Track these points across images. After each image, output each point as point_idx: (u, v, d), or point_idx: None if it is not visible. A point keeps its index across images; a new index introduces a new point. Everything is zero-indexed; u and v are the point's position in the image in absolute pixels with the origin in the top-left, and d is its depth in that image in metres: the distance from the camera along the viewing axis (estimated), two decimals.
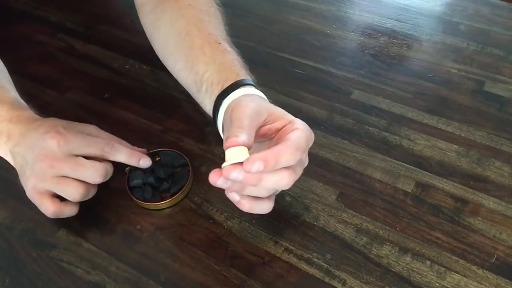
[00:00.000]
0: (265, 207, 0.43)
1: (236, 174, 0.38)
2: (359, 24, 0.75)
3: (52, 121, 0.49)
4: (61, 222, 0.51)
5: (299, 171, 0.42)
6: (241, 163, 0.38)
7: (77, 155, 0.46)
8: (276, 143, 0.41)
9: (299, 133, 0.41)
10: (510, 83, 0.64)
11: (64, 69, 0.71)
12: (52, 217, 0.47)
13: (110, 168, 0.48)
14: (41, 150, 0.46)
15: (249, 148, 0.39)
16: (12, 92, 0.52)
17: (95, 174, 0.46)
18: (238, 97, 0.45)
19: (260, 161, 0.37)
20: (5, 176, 0.56)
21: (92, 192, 0.49)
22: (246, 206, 0.42)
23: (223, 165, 0.39)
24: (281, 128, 0.42)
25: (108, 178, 0.48)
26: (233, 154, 0.38)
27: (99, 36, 0.76)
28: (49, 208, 0.46)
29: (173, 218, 0.52)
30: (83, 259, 0.49)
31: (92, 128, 0.51)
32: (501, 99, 0.62)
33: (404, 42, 0.71)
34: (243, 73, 0.49)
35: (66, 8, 0.81)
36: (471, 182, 0.53)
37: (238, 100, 0.45)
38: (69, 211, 0.48)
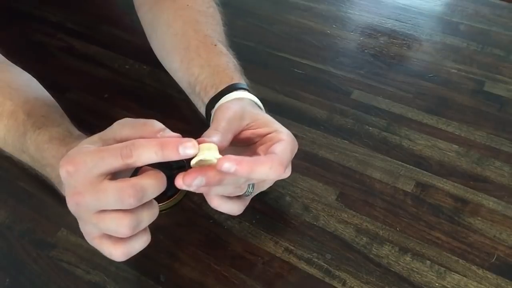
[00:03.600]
0: (234, 208, 0.42)
1: (198, 182, 0.36)
2: (359, 24, 0.75)
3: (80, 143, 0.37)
4: (61, 222, 0.51)
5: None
6: (209, 167, 0.36)
7: (99, 178, 0.34)
8: (258, 148, 0.40)
9: (285, 146, 0.39)
10: (510, 83, 0.64)
11: (64, 69, 0.71)
12: (122, 260, 0.38)
13: (147, 182, 0.35)
14: (66, 188, 0.36)
15: (222, 150, 0.38)
16: (61, 125, 0.45)
17: (121, 197, 0.33)
18: (227, 101, 0.45)
19: (234, 162, 0.35)
20: (5, 176, 0.56)
21: (148, 217, 0.37)
22: (214, 201, 0.41)
23: (192, 162, 0.37)
24: (266, 135, 0.41)
25: (151, 196, 0.35)
26: (201, 150, 0.36)
27: (99, 36, 0.76)
28: (112, 253, 0.37)
29: (173, 218, 0.52)
30: (83, 259, 0.49)
31: (122, 127, 0.38)
32: (501, 99, 0.62)
33: (404, 42, 0.71)
34: (237, 77, 0.48)
35: (66, 8, 0.81)
36: (471, 182, 0.53)
37: (224, 103, 0.44)
38: (138, 245, 0.38)
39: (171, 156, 0.34)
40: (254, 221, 0.51)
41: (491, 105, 0.61)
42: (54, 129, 0.44)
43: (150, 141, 0.35)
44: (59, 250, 0.50)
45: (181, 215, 0.52)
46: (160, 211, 0.52)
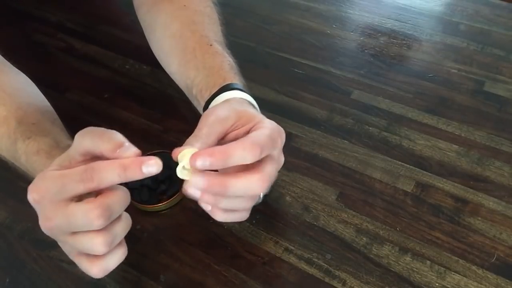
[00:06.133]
0: (241, 216, 0.42)
1: (199, 182, 0.36)
2: (359, 24, 0.75)
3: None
4: None
5: (272, 173, 0.38)
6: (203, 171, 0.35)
7: (65, 202, 0.34)
8: None
9: (262, 130, 0.39)
10: (510, 83, 0.64)
11: (64, 69, 0.71)
12: (100, 277, 0.38)
13: (113, 200, 0.34)
14: (38, 213, 0.37)
15: None
16: (50, 135, 0.45)
17: (89, 220, 0.33)
18: (214, 105, 0.44)
19: (205, 156, 0.34)
20: (5, 176, 0.56)
21: (122, 230, 0.36)
22: (220, 215, 0.41)
23: (177, 172, 0.37)
24: (250, 130, 0.40)
25: (118, 212, 0.35)
26: (184, 157, 0.36)
27: (99, 36, 0.76)
28: (89, 270, 0.37)
29: (173, 218, 0.52)
30: None
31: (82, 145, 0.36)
32: (501, 99, 0.62)
33: (404, 42, 0.71)
34: (230, 77, 0.47)
35: (66, 8, 0.81)
36: (471, 182, 0.53)
37: (209, 108, 0.44)
38: (114, 260, 0.37)
39: (135, 176, 0.34)
40: (254, 221, 0.51)
41: (491, 105, 0.61)
42: (42, 140, 0.44)
43: (111, 163, 0.34)
44: (59, 250, 0.49)
45: (181, 215, 0.52)
46: (160, 211, 0.52)
